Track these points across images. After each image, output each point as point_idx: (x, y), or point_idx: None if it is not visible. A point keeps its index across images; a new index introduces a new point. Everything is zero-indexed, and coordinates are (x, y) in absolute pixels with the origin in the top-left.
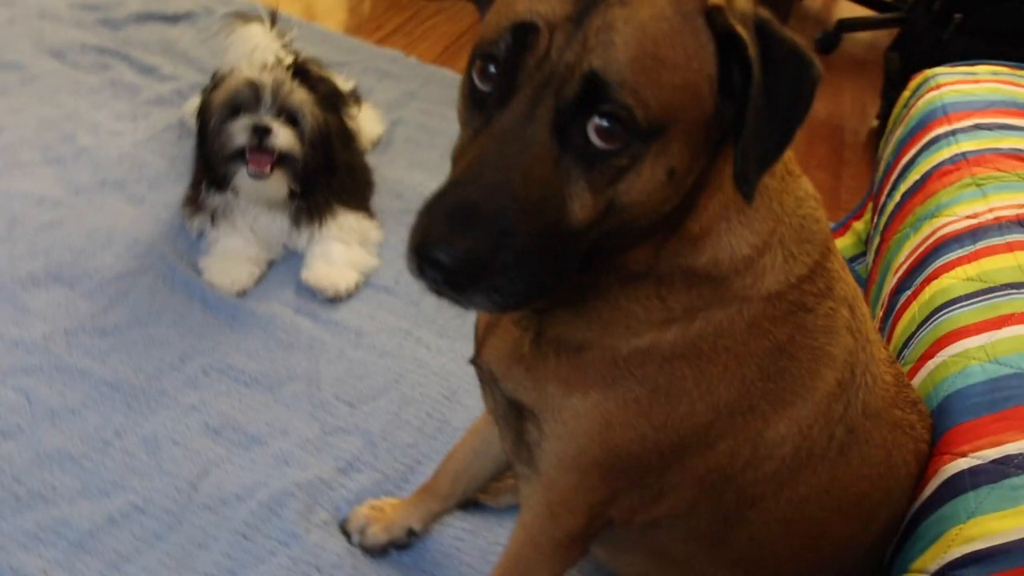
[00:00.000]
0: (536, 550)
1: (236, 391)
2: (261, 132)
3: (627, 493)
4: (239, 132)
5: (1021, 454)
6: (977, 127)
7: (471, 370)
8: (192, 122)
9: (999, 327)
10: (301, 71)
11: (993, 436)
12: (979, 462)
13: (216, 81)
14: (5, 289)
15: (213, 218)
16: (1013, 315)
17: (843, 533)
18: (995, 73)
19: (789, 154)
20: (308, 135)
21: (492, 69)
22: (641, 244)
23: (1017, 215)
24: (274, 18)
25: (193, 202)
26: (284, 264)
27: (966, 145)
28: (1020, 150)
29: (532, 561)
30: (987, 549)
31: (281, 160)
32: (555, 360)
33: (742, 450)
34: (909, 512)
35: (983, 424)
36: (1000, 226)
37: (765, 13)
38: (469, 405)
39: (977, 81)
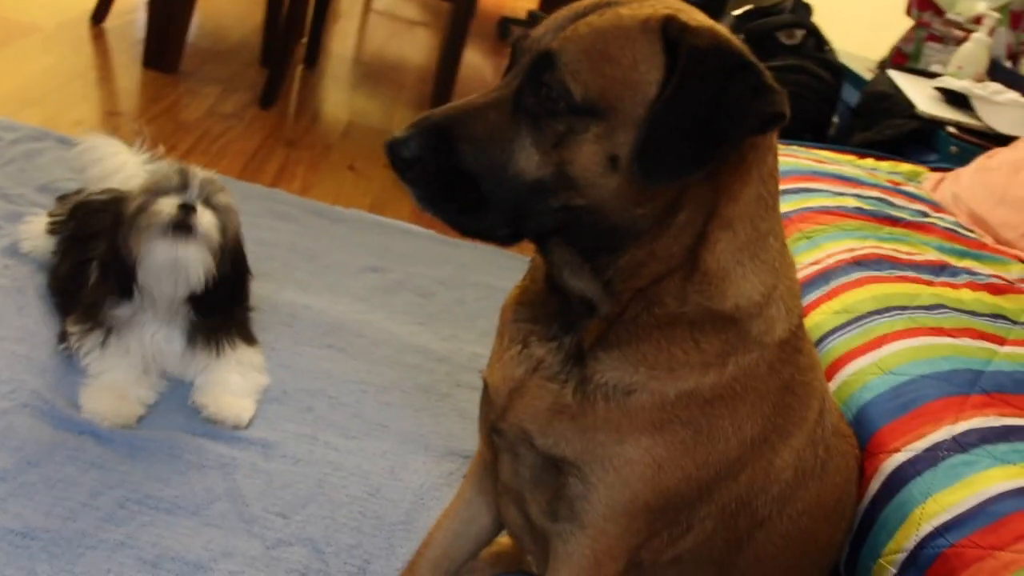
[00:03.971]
0: None
1: (161, 520)
2: (187, 209)
3: (660, 532)
4: (164, 208)
5: (945, 440)
6: (784, 192)
7: (388, 465)
8: (30, 247)
9: (879, 346)
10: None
11: (915, 431)
12: (913, 454)
13: (80, 199)
14: None
15: (106, 337)
16: (886, 335)
17: (828, 537)
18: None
19: (781, 228)
20: (230, 232)
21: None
22: (649, 259)
23: (852, 257)
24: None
25: (91, 318)
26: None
27: (783, 207)
28: (827, 207)
29: None
30: (954, 519)
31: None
32: (604, 406)
33: (757, 478)
34: (860, 509)
35: (901, 424)
36: (842, 268)
37: (735, 51)
38: (396, 499)
39: None
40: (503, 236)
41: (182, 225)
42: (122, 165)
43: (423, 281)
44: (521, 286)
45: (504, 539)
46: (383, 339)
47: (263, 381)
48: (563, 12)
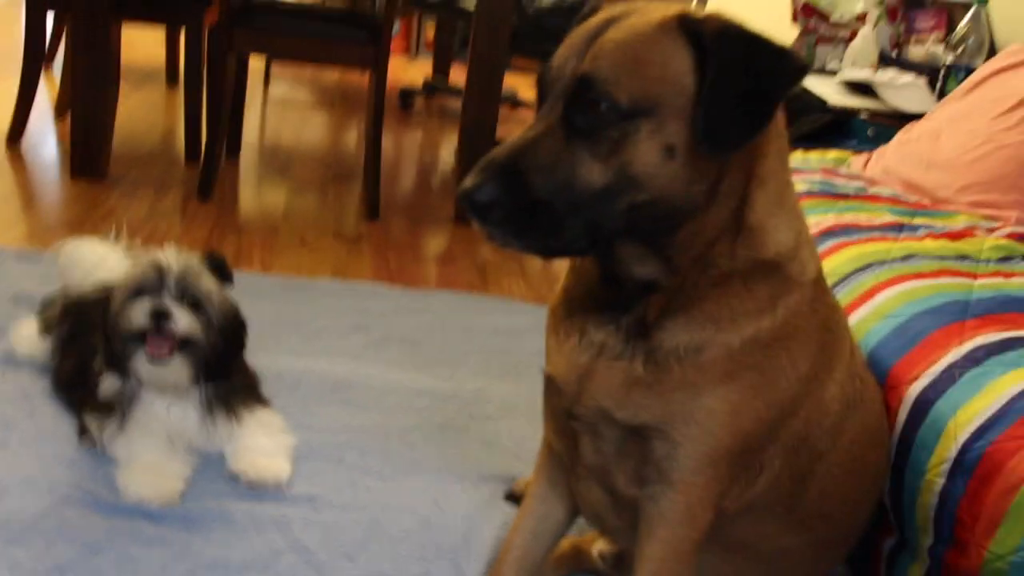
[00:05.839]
0: (679, 559)
1: None
2: (160, 316)
3: (739, 477)
4: (138, 315)
5: (956, 360)
6: None
7: (430, 498)
8: (27, 351)
9: (871, 297)
10: (216, 263)
11: (927, 359)
12: (931, 378)
13: (71, 298)
14: None
15: (123, 421)
16: (875, 287)
17: (875, 463)
18: None
19: (792, 178)
20: (215, 322)
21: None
22: (702, 230)
23: (820, 230)
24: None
25: (105, 407)
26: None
27: None
28: None
29: (677, 572)
30: (986, 422)
31: (184, 345)
32: (679, 368)
33: (813, 412)
34: (893, 439)
35: (912, 356)
36: (815, 239)
37: (743, 27)
38: (448, 526)
39: None
40: (582, 248)
41: (159, 332)
42: (102, 260)
43: (407, 332)
44: (564, 286)
45: (565, 542)
46: (389, 388)
47: (290, 440)
48: (575, 38)
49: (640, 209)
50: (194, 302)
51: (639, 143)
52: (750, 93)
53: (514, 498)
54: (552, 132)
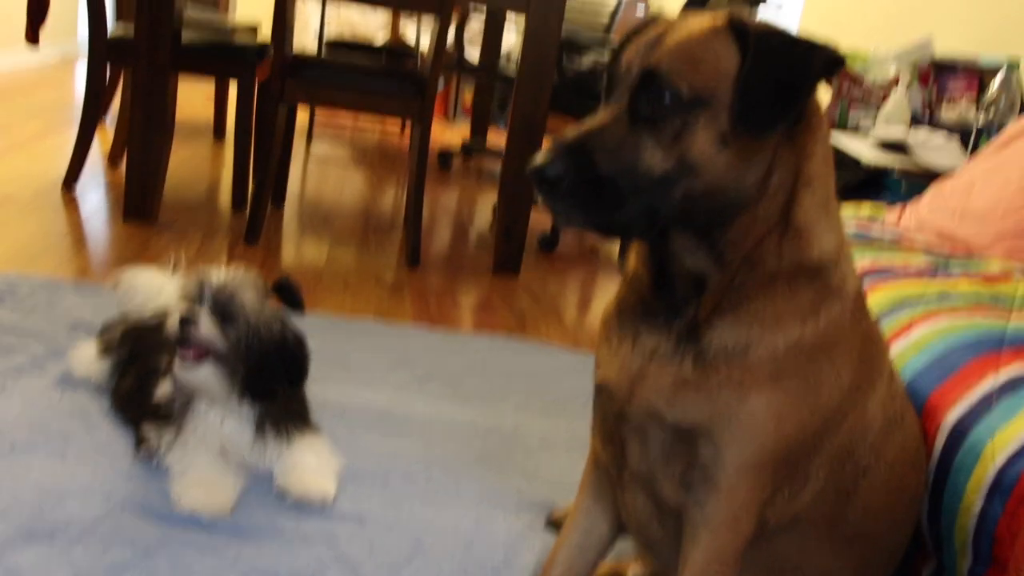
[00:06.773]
0: (722, 564)
1: None
2: (186, 322)
3: (783, 487)
4: (172, 320)
5: (993, 388)
6: None
7: (472, 522)
8: (84, 372)
9: (907, 332)
10: (284, 288)
11: (963, 389)
12: (969, 405)
13: (130, 323)
14: None
15: (179, 432)
16: (911, 323)
17: (915, 485)
18: None
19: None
20: (241, 338)
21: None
22: (752, 225)
23: (857, 273)
24: (175, 264)
25: (162, 418)
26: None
27: None
28: None
29: None
30: (1023, 445)
31: (216, 355)
32: (726, 367)
33: (857, 425)
34: (933, 462)
35: (949, 386)
36: None
37: (785, 30)
38: (490, 547)
39: None
40: (639, 230)
41: (183, 339)
42: (160, 289)
43: (448, 370)
44: (617, 298)
45: (603, 566)
46: (431, 420)
47: (337, 462)
48: (640, 41)
49: (695, 199)
50: (226, 315)
51: (697, 132)
52: (784, 78)
53: (554, 525)
54: (619, 120)
